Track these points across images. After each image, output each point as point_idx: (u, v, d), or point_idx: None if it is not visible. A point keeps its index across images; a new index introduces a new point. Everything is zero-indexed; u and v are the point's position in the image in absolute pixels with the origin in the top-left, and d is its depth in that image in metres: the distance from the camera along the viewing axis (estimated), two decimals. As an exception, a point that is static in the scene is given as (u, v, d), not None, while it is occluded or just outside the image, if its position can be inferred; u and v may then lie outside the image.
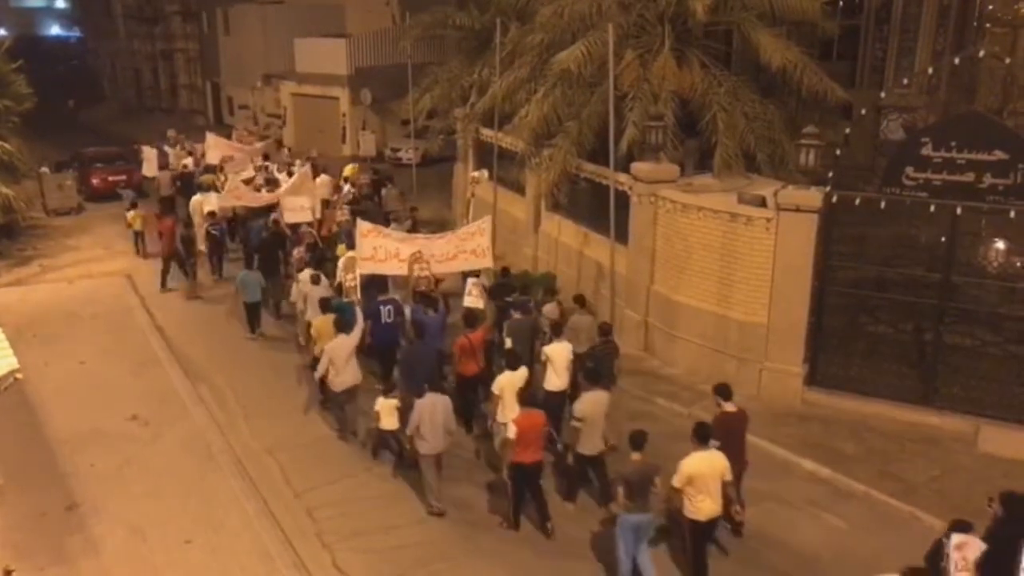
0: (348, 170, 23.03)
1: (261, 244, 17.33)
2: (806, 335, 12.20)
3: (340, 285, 14.42)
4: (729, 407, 9.31)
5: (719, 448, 8.45)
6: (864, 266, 12.30)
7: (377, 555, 9.52)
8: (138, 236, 21.04)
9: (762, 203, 12.31)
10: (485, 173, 17.21)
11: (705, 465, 8.30)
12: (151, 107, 48.96)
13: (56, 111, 41.16)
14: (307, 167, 20.74)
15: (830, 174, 11.88)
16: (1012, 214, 10.72)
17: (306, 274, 14.24)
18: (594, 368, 10.45)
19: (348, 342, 11.70)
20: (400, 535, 9.87)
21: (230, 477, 11.17)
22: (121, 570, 9.41)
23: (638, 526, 8.57)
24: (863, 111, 13.27)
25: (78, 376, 14.33)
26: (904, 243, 12.13)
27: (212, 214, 19.05)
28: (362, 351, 12.29)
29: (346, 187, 21.53)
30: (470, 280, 13.59)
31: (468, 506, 10.41)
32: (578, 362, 11.31)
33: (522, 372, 10.68)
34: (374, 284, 13.97)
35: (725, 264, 12.78)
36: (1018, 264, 11.54)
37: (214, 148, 24.01)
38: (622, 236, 14.27)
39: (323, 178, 21.31)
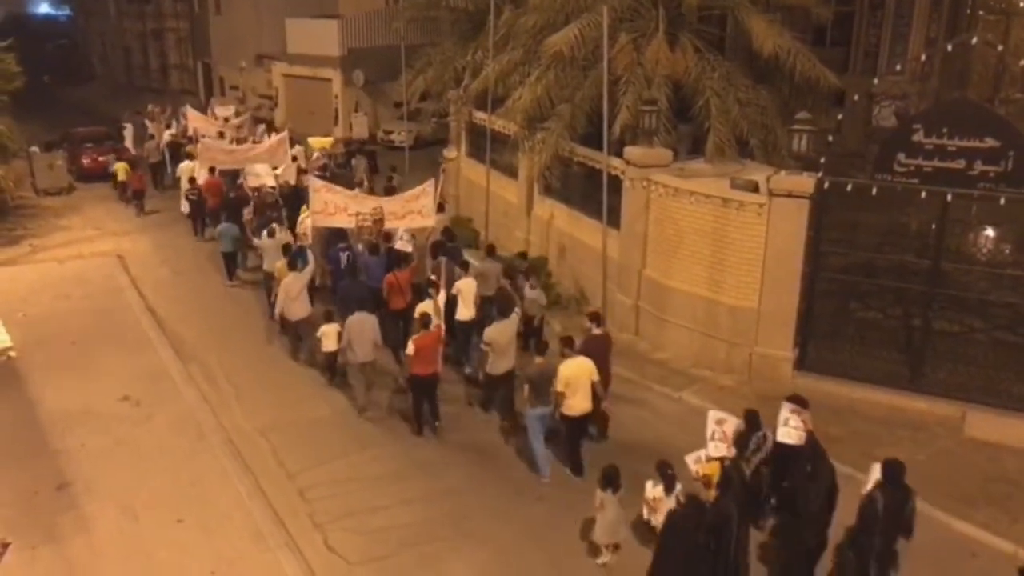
0: (315, 142, 24.84)
1: (227, 203, 19.28)
2: (796, 320, 12.27)
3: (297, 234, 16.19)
4: (597, 331, 11.22)
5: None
6: (855, 252, 12.35)
7: (368, 535, 9.61)
8: (122, 185, 23.91)
9: (754, 188, 12.36)
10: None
11: (577, 368, 10.12)
12: (141, 87, 48.37)
13: (46, 90, 40.81)
14: (285, 133, 22.66)
15: (822, 160, 11.90)
16: (1002, 201, 10.79)
17: (264, 232, 15.86)
18: (503, 304, 12.23)
19: (300, 279, 13.61)
20: (391, 515, 9.95)
21: (222, 457, 11.21)
22: (112, 549, 9.45)
23: (543, 417, 10.40)
24: (856, 97, 13.28)
25: (69, 356, 14.30)
26: (895, 229, 12.20)
27: (192, 180, 21.03)
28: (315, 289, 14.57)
29: (315, 155, 23.49)
30: (401, 228, 15.11)
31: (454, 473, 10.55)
32: (487, 302, 13.12)
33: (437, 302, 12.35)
34: (336, 236, 15.77)
35: (717, 249, 12.82)
36: (1007, 251, 11.62)
37: (193, 121, 26.06)
38: (614, 220, 14.30)
39: (298, 148, 23.26)
